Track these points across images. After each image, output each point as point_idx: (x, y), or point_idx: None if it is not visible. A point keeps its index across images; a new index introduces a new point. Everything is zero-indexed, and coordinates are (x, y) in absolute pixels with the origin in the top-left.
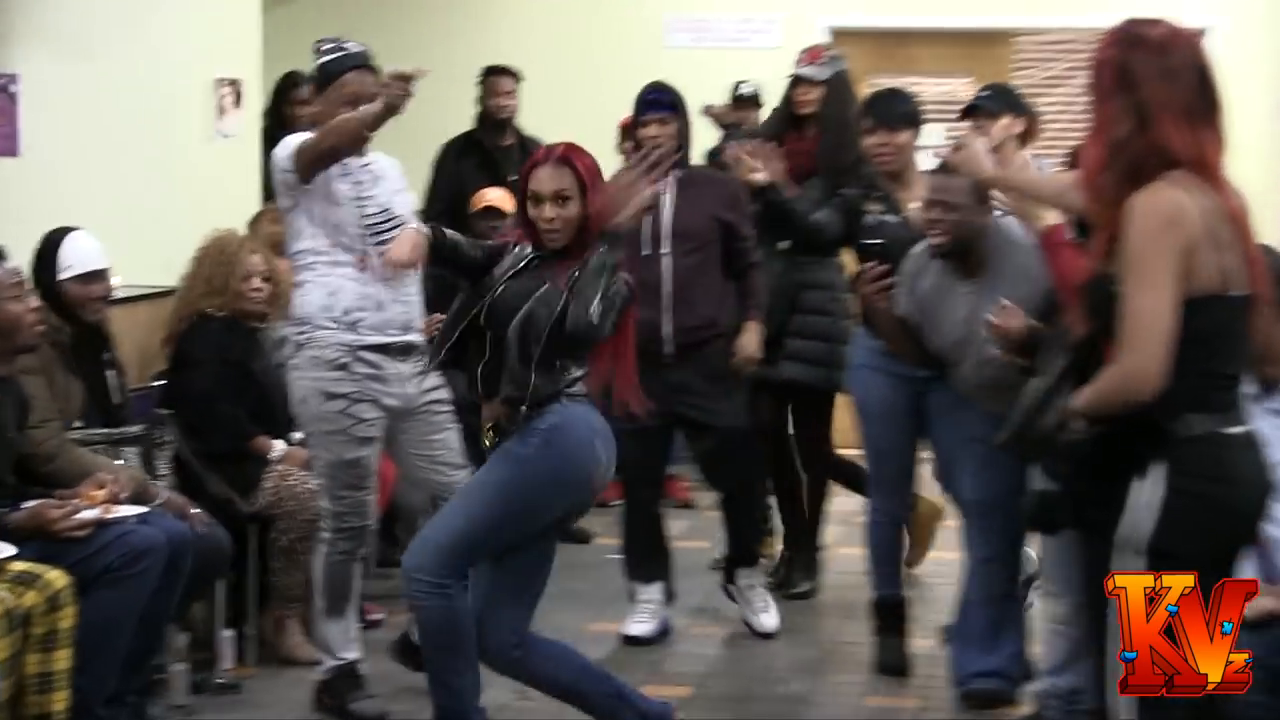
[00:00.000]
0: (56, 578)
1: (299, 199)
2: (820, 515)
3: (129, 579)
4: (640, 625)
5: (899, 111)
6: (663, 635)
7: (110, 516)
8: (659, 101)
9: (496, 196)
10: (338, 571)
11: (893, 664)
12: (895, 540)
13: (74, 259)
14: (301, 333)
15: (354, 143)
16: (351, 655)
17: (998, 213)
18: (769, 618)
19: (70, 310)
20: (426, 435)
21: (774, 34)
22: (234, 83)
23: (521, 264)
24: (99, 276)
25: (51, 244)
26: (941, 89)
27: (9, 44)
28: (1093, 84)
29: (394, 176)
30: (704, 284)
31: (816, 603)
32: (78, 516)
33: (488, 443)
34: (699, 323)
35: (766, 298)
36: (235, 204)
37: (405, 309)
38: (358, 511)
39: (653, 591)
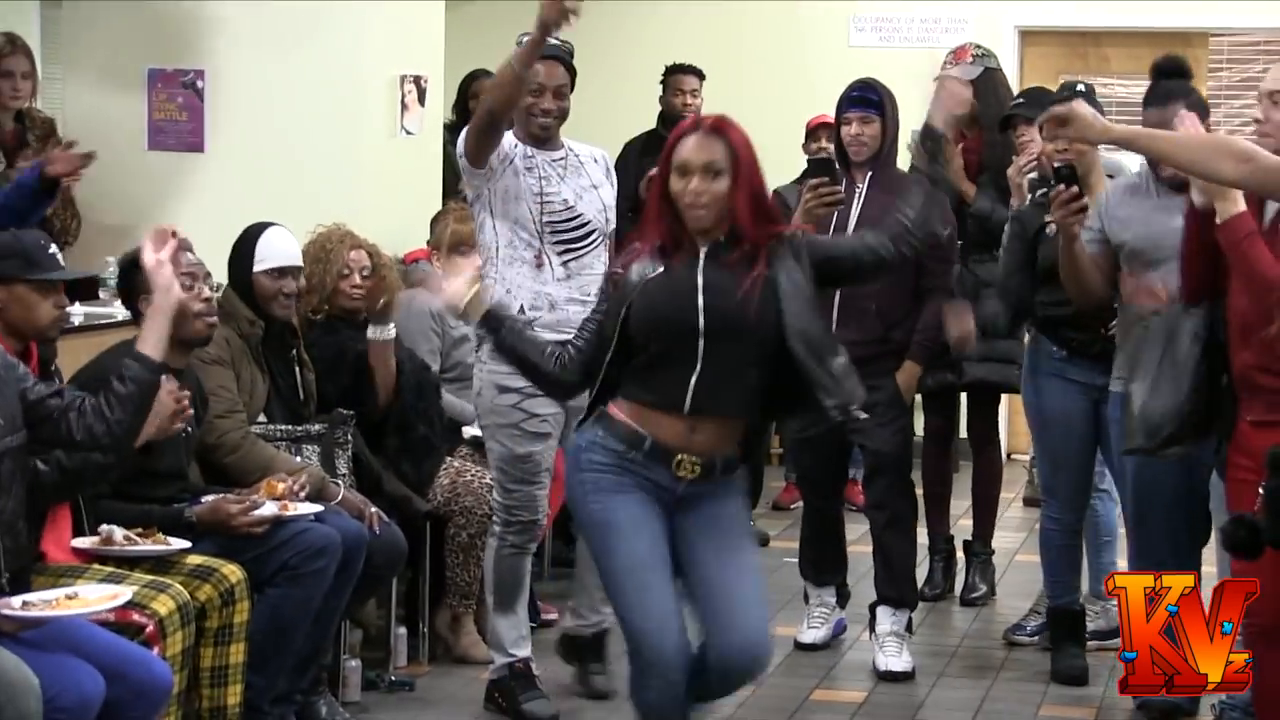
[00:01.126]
0: (231, 572)
1: (482, 192)
2: (994, 518)
3: (304, 577)
4: (813, 632)
5: None
6: (837, 636)
7: (288, 514)
8: (864, 99)
9: None
10: (507, 566)
11: (1069, 673)
12: (1071, 549)
13: (267, 252)
14: None
15: (510, 90)
16: (522, 653)
17: None
18: (898, 661)
19: (262, 305)
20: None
21: (962, 34)
22: (417, 79)
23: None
24: (290, 272)
25: (249, 237)
26: (1134, 91)
27: (197, 40)
28: None
29: (593, 170)
30: (879, 296)
31: (993, 608)
32: (256, 513)
33: (682, 474)
34: (865, 337)
35: (940, 332)
36: (418, 200)
37: (583, 309)
38: (528, 506)
39: (826, 595)
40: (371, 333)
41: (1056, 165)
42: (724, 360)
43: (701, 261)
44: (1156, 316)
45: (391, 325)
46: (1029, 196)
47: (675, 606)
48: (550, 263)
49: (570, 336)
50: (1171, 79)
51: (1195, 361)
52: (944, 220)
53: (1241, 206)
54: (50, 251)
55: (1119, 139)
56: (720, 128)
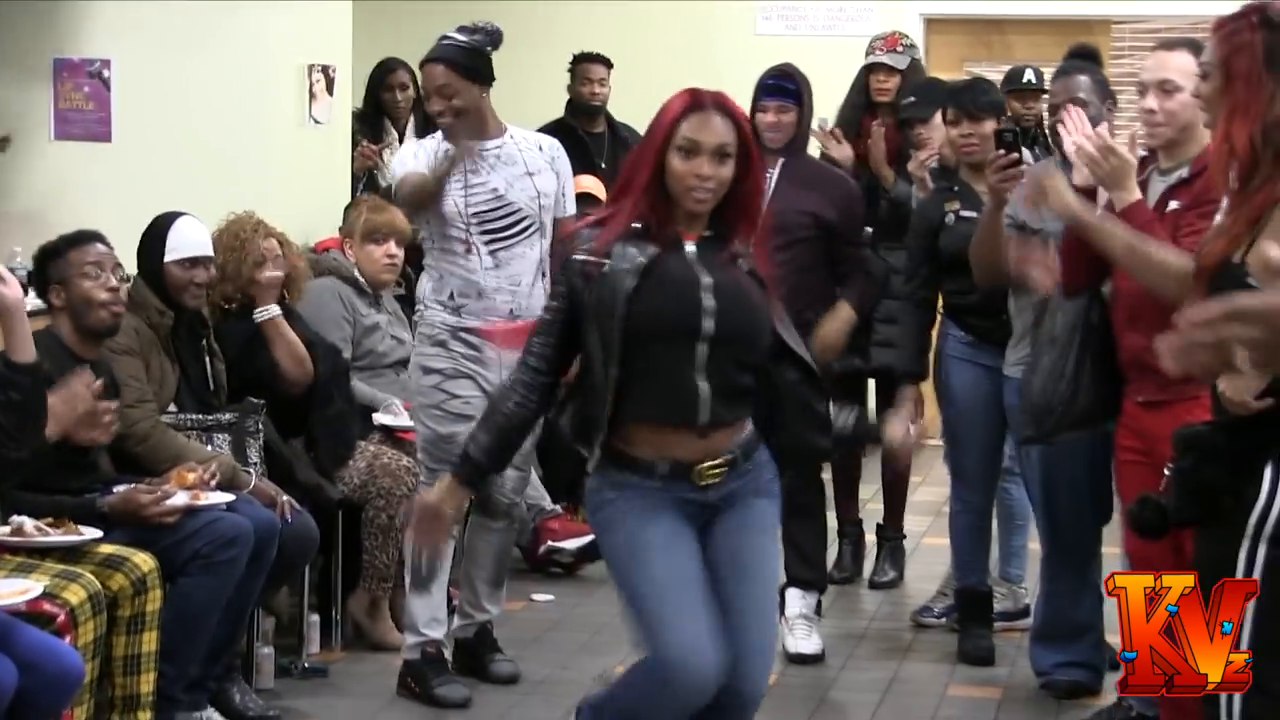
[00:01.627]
0: (143, 561)
1: None
2: (903, 504)
3: (217, 566)
4: None
5: (983, 101)
6: None
7: (200, 503)
8: (781, 88)
9: (590, 184)
10: None
11: (977, 654)
12: (979, 530)
13: (178, 242)
14: (416, 311)
15: (424, 199)
16: (435, 635)
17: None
18: (807, 644)
19: (172, 294)
20: None
21: (868, 22)
22: (325, 69)
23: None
24: (201, 263)
25: (160, 227)
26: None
27: (102, 30)
28: (1231, 68)
29: (532, 158)
30: (789, 282)
31: (902, 591)
32: (168, 503)
33: (706, 482)
34: None
35: (868, 300)
36: (326, 189)
37: (512, 297)
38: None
39: None
40: (256, 316)
41: (1000, 129)
42: (726, 364)
43: (693, 256)
44: (1040, 305)
45: (272, 306)
46: (932, 188)
47: (711, 629)
48: (478, 251)
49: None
50: (1086, 55)
51: (1076, 349)
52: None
53: (1138, 194)
54: None
55: (1075, 217)
56: (728, 107)
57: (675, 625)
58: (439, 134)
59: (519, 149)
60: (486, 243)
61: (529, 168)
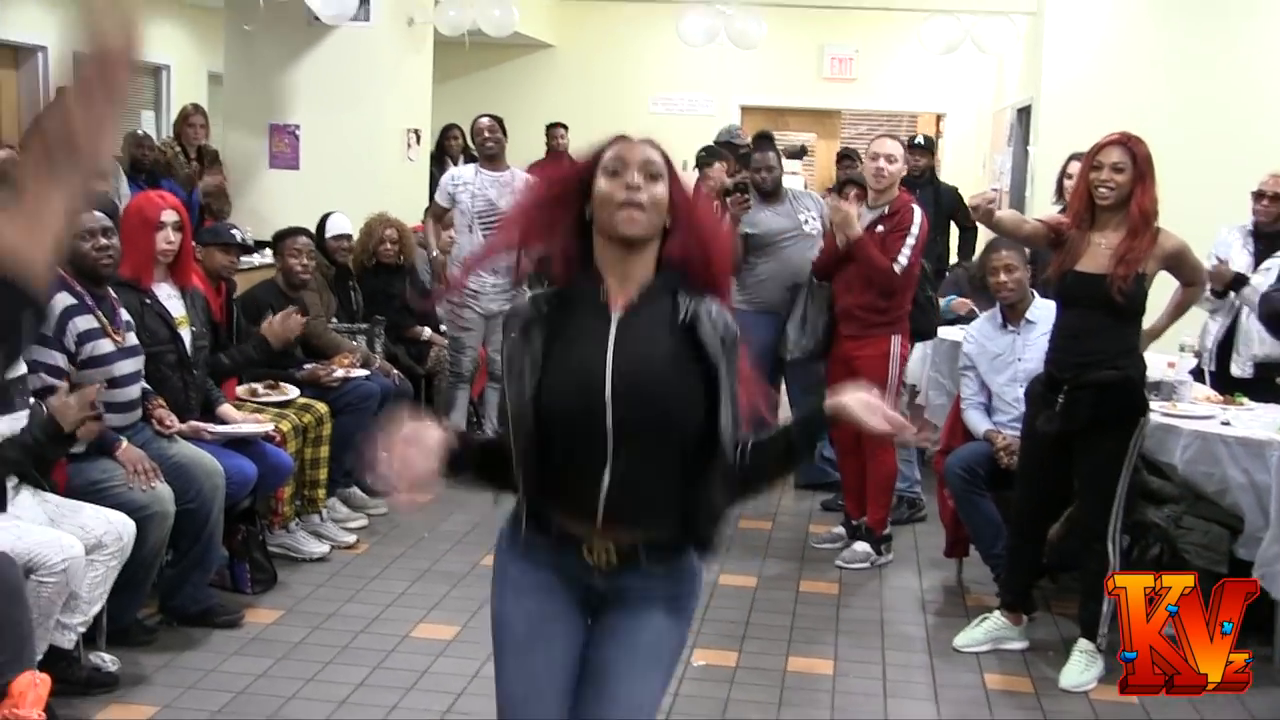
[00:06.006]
0: (322, 406)
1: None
2: None
3: (359, 410)
4: None
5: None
6: None
7: (351, 375)
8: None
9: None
10: (449, 390)
11: None
12: None
13: (333, 227)
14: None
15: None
16: (457, 429)
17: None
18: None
19: (331, 255)
20: (494, 333)
21: (710, 105)
22: (416, 131)
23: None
24: (344, 238)
25: (323, 219)
26: (801, 138)
27: (293, 103)
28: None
29: (516, 185)
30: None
31: None
32: (334, 375)
33: (604, 566)
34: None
35: None
36: (416, 199)
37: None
38: (458, 364)
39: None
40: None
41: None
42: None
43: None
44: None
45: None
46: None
47: None
48: (478, 234)
49: (488, 279)
50: (767, 138)
51: (819, 313)
52: None
53: (860, 231)
54: (232, 230)
55: (851, 236)
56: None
57: None
58: (469, 165)
59: (513, 177)
60: (483, 230)
61: (515, 187)
